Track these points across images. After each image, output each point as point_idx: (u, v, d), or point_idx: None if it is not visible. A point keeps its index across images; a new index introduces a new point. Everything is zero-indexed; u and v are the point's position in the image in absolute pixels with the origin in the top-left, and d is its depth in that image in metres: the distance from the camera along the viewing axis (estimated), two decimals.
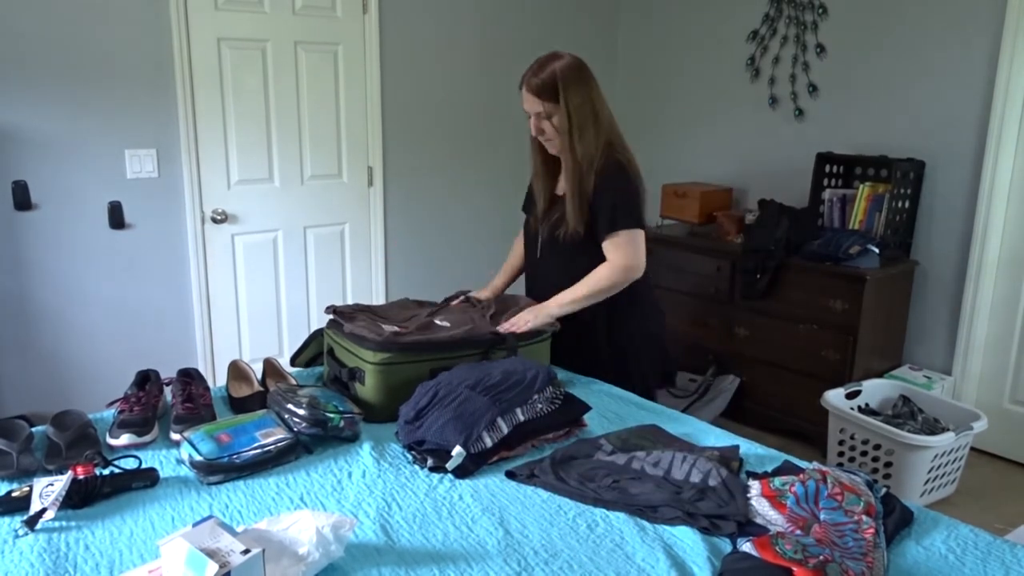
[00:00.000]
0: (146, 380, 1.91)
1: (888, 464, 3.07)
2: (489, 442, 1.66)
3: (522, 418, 1.73)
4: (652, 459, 1.59)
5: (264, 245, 3.76)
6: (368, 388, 1.90)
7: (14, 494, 1.46)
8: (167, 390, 1.93)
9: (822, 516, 1.38)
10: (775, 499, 1.44)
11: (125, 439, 1.70)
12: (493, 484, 1.61)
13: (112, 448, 1.70)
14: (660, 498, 1.48)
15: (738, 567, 1.25)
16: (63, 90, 3.13)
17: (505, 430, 1.69)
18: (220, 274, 3.65)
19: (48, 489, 1.42)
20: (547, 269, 2.35)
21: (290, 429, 1.71)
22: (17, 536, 1.37)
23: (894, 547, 1.39)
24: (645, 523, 1.46)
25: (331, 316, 2.11)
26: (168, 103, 3.37)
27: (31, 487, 1.44)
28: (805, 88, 3.97)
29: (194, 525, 1.19)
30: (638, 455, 1.62)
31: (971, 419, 3.09)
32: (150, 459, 1.66)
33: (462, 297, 2.36)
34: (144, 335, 3.50)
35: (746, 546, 1.29)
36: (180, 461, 1.65)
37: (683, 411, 3.32)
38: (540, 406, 1.77)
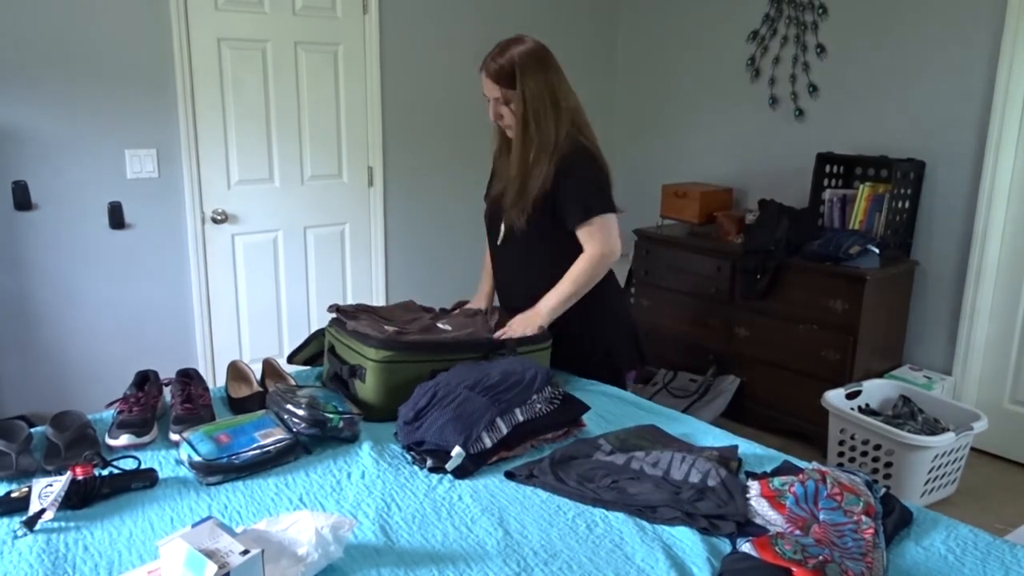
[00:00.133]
0: (145, 381, 1.91)
1: (888, 464, 3.07)
2: (488, 442, 1.66)
3: (521, 418, 1.73)
4: (651, 459, 1.59)
5: (264, 245, 3.76)
6: (368, 386, 1.90)
7: (13, 495, 1.46)
8: (166, 391, 1.93)
9: (821, 516, 1.38)
10: (774, 499, 1.44)
11: (124, 440, 1.70)
12: (492, 484, 1.61)
13: (111, 449, 1.70)
14: (659, 498, 1.48)
15: (738, 567, 1.25)
16: (63, 90, 3.13)
17: (504, 430, 1.69)
18: (220, 274, 3.65)
19: (47, 490, 1.42)
20: (511, 256, 2.31)
21: (289, 429, 1.71)
22: (16, 537, 1.37)
23: (893, 547, 1.39)
24: (644, 523, 1.46)
25: (333, 314, 2.11)
26: (168, 103, 3.37)
27: (30, 488, 1.44)
28: (805, 88, 3.97)
29: (193, 526, 1.19)
30: (637, 455, 1.62)
31: (971, 419, 3.08)
32: (149, 460, 1.66)
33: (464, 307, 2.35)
34: (144, 335, 3.50)
35: (745, 546, 1.29)
36: (179, 462, 1.65)
37: (683, 411, 3.33)
38: (539, 406, 1.77)
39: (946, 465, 3.09)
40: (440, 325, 2.09)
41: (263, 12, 3.53)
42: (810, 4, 3.88)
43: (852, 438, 3.19)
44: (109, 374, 3.39)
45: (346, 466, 1.67)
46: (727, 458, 1.64)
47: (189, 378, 1.93)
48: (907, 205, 3.59)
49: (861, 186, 3.61)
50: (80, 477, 1.46)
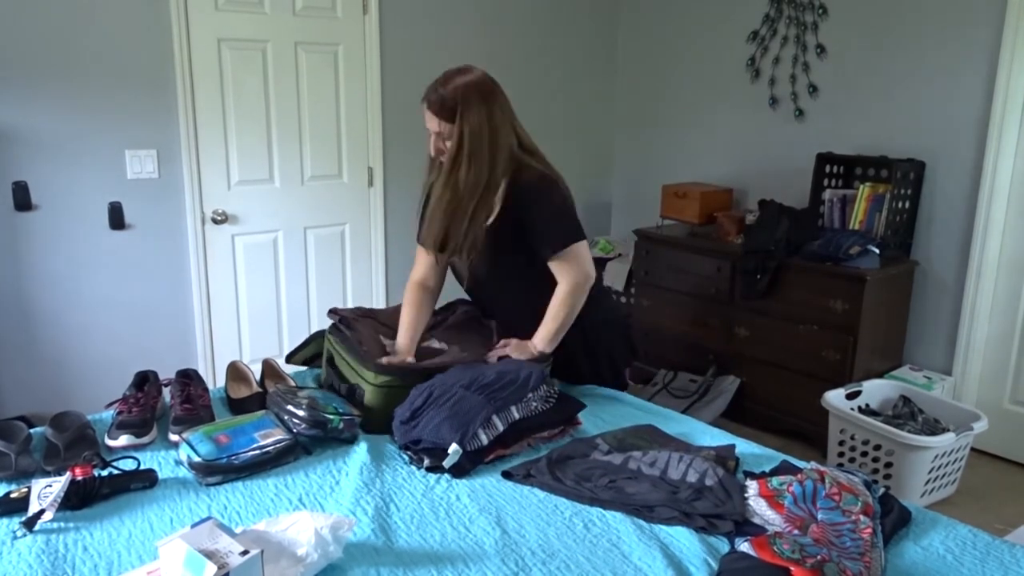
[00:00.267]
0: (145, 381, 1.91)
1: (888, 465, 3.07)
2: (485, 439, 1.66)
3: (517, 416, 1.73)
4: (648, 459, 1.60)
5: (264, 246, 3.76)
6: (366, 406, 1.88)
7: (12, 495, 1.46)
8: (166, 391, 1.93)
9: (820, 516, 1.38)
10: (773, 499, 1.44)
11: (124, 440, 1.70)
12: (490, 484, 1.61)
13: (111, 449, 1.71)
14: (657, 498, 1.48)
15: (736, 567, 1.26)
16: (63, 90, 3.13)
17: (501, 427, 1.69)
18: (220, 275, 3.65)
19: (46, 490, 1.43)
20: (486, 295, 2.26)
21: (289, 430, 1.71)
22: (15, 537, 1.37)
23: (892, 547, 1.39)
24: (642, 523, 1.46)
25: (333, 320, 2.10)
26: (168, 103, 3.37)
27: (29, 488, 1.45)
28: (805, 88, 3.97)
29: (193, 526, 1.20)
30: (634, 455, 1.62)
31: (971, 419, 3.08)
32: (149, 460, 1.66)
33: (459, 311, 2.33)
34: (144, 336, 3.50)
35: (744, 546, 1.29)
36: (179, 462, 1.65)
37: (683, 411, 3.33)
38: (535, 404, 1.77)
39: (946, 465, 3.09)
40: (436, 345, 2.08)
41: (263, 12, 3.53)
42: (810, 4, 3.88)
43: (852, 438, 3.19)
44: (109, 374, 3.39)
45: (345, 466, 1.67)
46: (724, 457, 1.64)
47: (189, 379, 1.94)
48: (907, 205, 3.58)
49: (861, 186, 3.61)
50: (79, 478, 1.47)
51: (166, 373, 2.00)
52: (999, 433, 3.45)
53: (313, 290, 3.95)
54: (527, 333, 2.11)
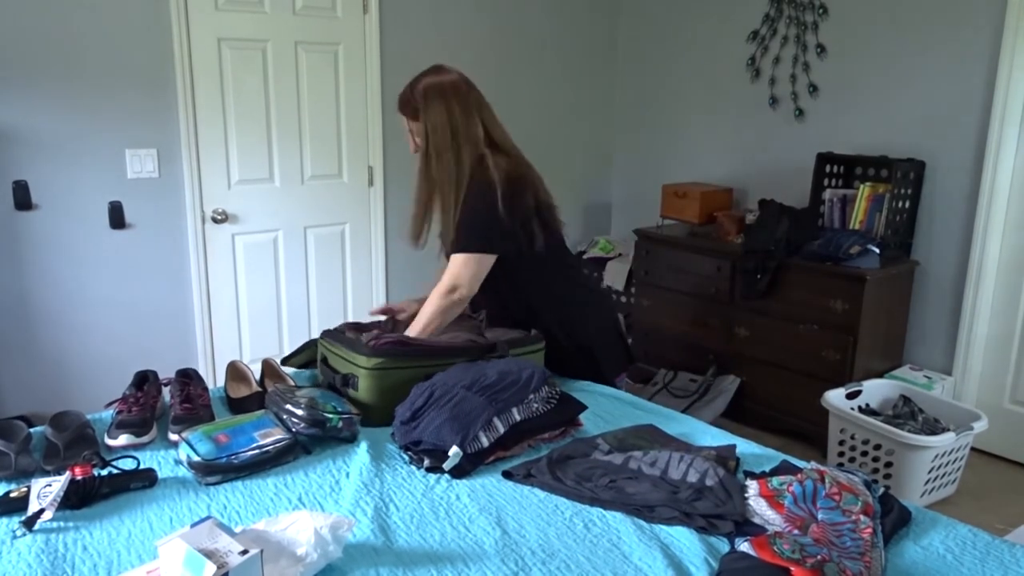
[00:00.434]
0: (144, 381, 1.91)
1: (888, 464, 3.07)
2: (485, 442, 1.66)
3: (518, 418, 1.73)
4: (649, 459, 1.59)
5: (264, 245, 3.76)
6: (361, 393, 1.89)
7: (12, 495, 1.46)
8: (165, 391, 1.93)
9: (820, 516, 1.38)
10: (773, 499, 1.44)
11: (123, 440, 1.70)
12: (490, 484, 1.61)
13: (110, 449, 1.70)
14: (657, 498, 1.48)
15: (736, 567, 1.25)
16: (63, 90, 3.13)
17: (501, 430, 1.69)
18: (220, 274, 3.65)
19: (46, 490, 1.42)
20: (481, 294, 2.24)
21: (288, 430, 1.71)
22: (15, 537, 1.37)
23: (892, 547, 1.39)
24: (642, 523, 1.46)
25: (325, 329, 2.13)
26: (168, 103, 3.37)
27: (29, 488, 1.45)
28: (805, 88, 3.97)
29: (192, 526, 1.19)
30: (635, 455, 1.62)
31: (971, 419, 3.08)
32: (148, 460, 1.66)
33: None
34: (144, 335, 3.50)
35: (744, 546, 1.29)
36: (178, 462, 1.65)
37: (683, 411, 3.33)
38: (536, 406, 1.77)
39: (946, 465, 3.09)
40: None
41: (263, 12, 3.53)
42: (810, 4, 3.88)
43: (852, 438, 3.19)
44: (108, 374, 3.39)
45: (345, 466, 1.67)
46: (725, 457, 1.64)
47: (188, 378, 1.94)
48: (907, 205, 3.58)
49: (861, 186, 3.61)
50: (79, 477, 1.46)
51: (166, 373, 2.00)
52: (999, 433, 3.45)
53: (313, 290, 3.95)
54: (507, 327, 2.17)
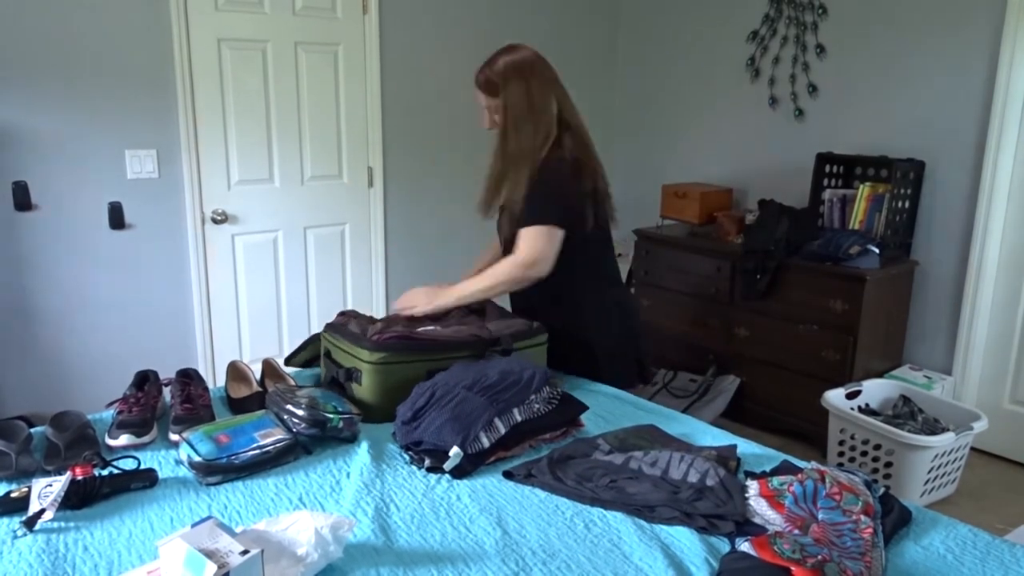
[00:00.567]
0: (145, 381, 1.91)
1: (888, 464, 3.07)
2: (486, 442, 1.66)
3: (519, 418, 1.73)
4: (649, 459, 1.59)
5: (264, 245, 3.76)
6: (365, 388, 1.90)
7: (13, 495, 1.46)
8: (166, 391, 1.93)
9: (820, 516, 1.38)
10: (773, 499, 1.44)
11: (124, 440, 1.70)
12: (491, 484, 1.61)
13: (111, 449, 1.70)
14: (657, 498, 1.48)
15: (737, 567, 1.25)
16: (63, 90, 3.13)
17: (502, 430, 1.69)
18: (220, 275, 3.65)
19: (47, 490, 1.42)
20: None
21: (289, 430, 1.71)
22: (16, 537, 1.37)
23: (892, 547, 1.39)
24: (643, 523, 1.46)
25: (328, 322, 2.12)
26: (168, 103, 3.37)
27: (30, 488, 1.45)
28: (805, 88, 3.97)
29: (193, 526, 1.19)
30: (635, 455, 1.62)
31: (971, 419, 3.08)
32: (149, 460, 1.66)
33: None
34: (144, 335, 3.50)
35: (744, 546, 1.29)
36: (179, 462, 1.65)
37: (683, 411, 3.33)
38: (537, 406, 1.77)
39: (946, 465, 3.09)
40: (433, 327, 2.09)
41: (263, 12, 3.53)
42: (810, 4, 3.88)
43: (852, 438, 3.19)
44: (109, 374, 3.39)
45: (345, 466, 1.67)
46: (726, 457, 1.64)
47: (189, 378, 1.93)
48: (907, 205, 3.59)
49: (861, 186, 3.61)
50: (80, 477, 1.46)
51: (166, 373, 2.00)
52: (999, 433, 3.45)
53: (313, 290, 3.95)
54: (544, 308, 2.20)
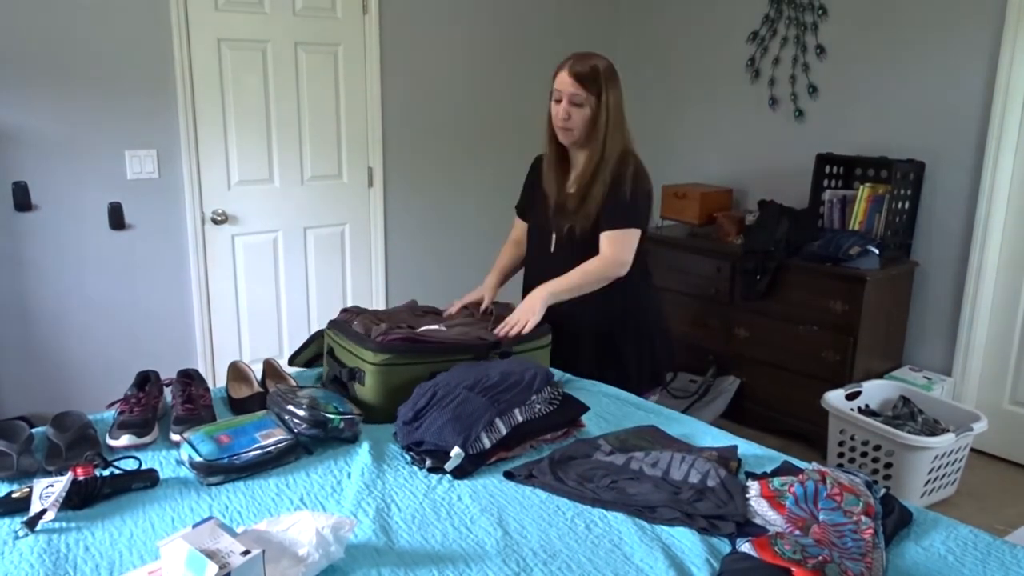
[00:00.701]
0: (146, 381, 1.91)
1: (888, 465, 3.07)
2: (487, 443, 1.66)
3: (520, 419, 1.73)
4: (650, 459, 1.60)
5: (264, 246, 3.76)
6: (368, 389, 1.90)
7: (14, 495, 1.46)
8: (167, 391, 1.93)
9: (821, 516, 1.38)
10: (774, 499, 1.44)
11: (125, 440, 1.70)
12: (492, 484, 1.61)
13: (112, 449, 1.70)
14: (658, 498, 1.48)
15: (737, 567, 1.26)
16: (63, 90, 3.13)
17: (503, 431, 1.69)
18: (220, 275, 3.65)
19: (48, 490, 1.42)
20: (561, 265, 2.33)
21: (290, 430, 1.71)
22: (17, 537, 1.37)
23: (893, 548, 1.39)
24: (643, 523, 1.46)
25: (332, 319, 2.12)
26: (168, 103, 3.37)
27: (31, 488, 1.45)
28: (805, 89, 3.97)
29: (194, 526, 1.19)
30: (636, 455, 1.62)
31: (971, 420, 3.09)
32: (150, 460, 1.66)
33: (461, 306, 2.35)
34: (144, 336, 3.50)
35: (745, 546, 1.29)
36: (180, 462, 1.65)
37: (683, 412, 3.33)
38: (538, 407, 1.77)
39: (946, 466, 3.09)
40: (437, 327, 2.09)
41: (263, 12, 3.53)
42: (810, 5, 3.88)
43: (852, 439, 3.19)
44: (109, 374, 3.39)
45: (346, 466, 1.67)
46: (727, 458, 1.64)
47: (190, 378, 1.93)
48: (907, 206, 3.59)
49: (861, 187, 3.62)
50: (81, 477, 1.46)
51: (166, 373, 2.00)
52: (999, 433, 3.45)
53: (313, 290, 3.95)
54: (576, 313, 2.28)
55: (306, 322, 3.95)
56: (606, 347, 2.38)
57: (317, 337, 2.24)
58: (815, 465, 1.52)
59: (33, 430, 1.71)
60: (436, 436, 1.64)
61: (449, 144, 4.25)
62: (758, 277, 3.62)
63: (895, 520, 1.43)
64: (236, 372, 2.13)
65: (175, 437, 1.73)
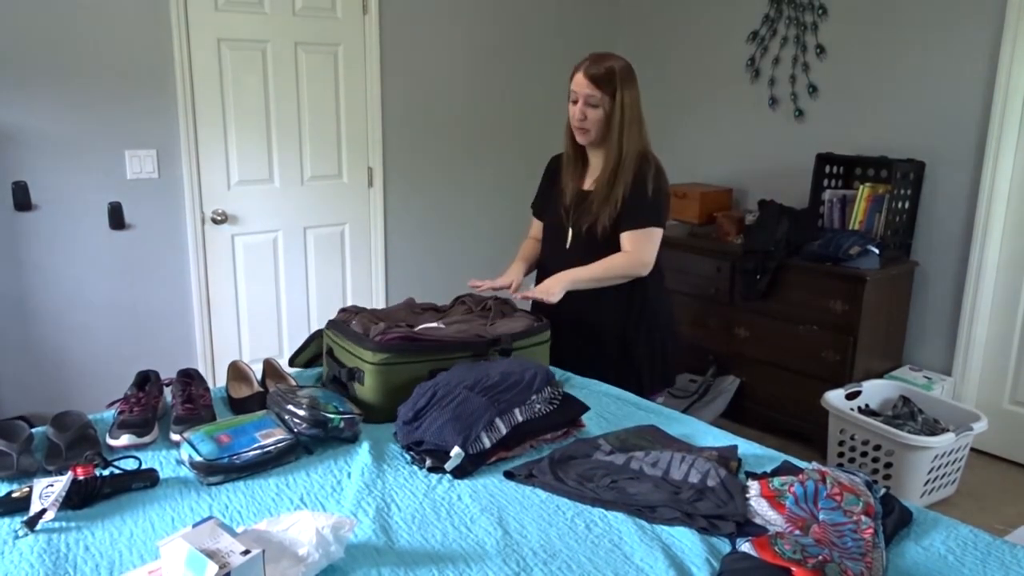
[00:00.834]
0: (146, 381, 1.91)
1: (888, 465, 3.07)
2: (487, 443, 1.66)
3: (520, 418, 1.73)
4: (650, 459, 1.60)
5: (264, 246, 3.76)
6: (367, 388, 1.90)
7: (14, 495, 1.46)
8: (167, 391, 1.93)
9: (821, 516, 1.38)
10: (774, 499, 1.44)
11: (125, 440, 1.70)
12: (492, 484, 1.61)
13: (112, 449, 1.70)
14: (658, 498, 1.48)
15: (737, 567, 1.26)
16: (63, 90, 3.13)
17: (503, 430, 1.69)
18: (220, 275, 3.65)
19: (48, 490, 1.42)
20: (576, 263, 2.34)
21: (290, 430, 1.71)
22: (17, 537, 1.37)
23: (893, 547, 1.39)
24: (643, 523, 1.46)
25: (331, 319, 2.12)
26: (168, 103, 3.37)
27: (31, 488, 1.45)
28: (805, 89, 3.97)
29: (194, 526, 1.19)
30: (636, 455, 1.62)
31: (971, 420, 3.09)
32: (150, 460, 1.66)
33: (463, 299, 2.36)
34: (144, 335, 3.50)
35: (745, 546, 1.29)
36: (180, 462, 1.65)
37: (683, 411, 3.33)
38: (538, 406, 1.77)
39: (946, 465, 3.09)
40: (435, 325, 2.09)
41: (263, 12, 3.53)
42: (810, 5, 3.88)
43: (852, 438, 3.19)
44: (109, 374, 3.39)
45: (346, 466, 1.67)
46: (727, 458, 1.64)
47: (190, 378, 1.93)
48: (907, 205, 3.59)
49: (861, 186, 3.62)
50: (81, 477, 1.46)
51: (166, 373, 2.00)
52: (999, 433, 3.45)
53: (313, 290, 3.95)
54: (593, 313, 2.33)
55: (306, 322, 3.95)
56: (621, 347, 2.39)
57: (316, 337, 2.24)
58: (815, 465, 1.52)
59: (33, 430, 1.71)
60: (436, 436, 1.64)
61: (449, 144, 4.25)
62: (758, 277, 3.62)
63: (895, 520, 1.43)
64: (236, 372, 2.13)
65: (175, 437, 1.73)
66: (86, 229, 3.28)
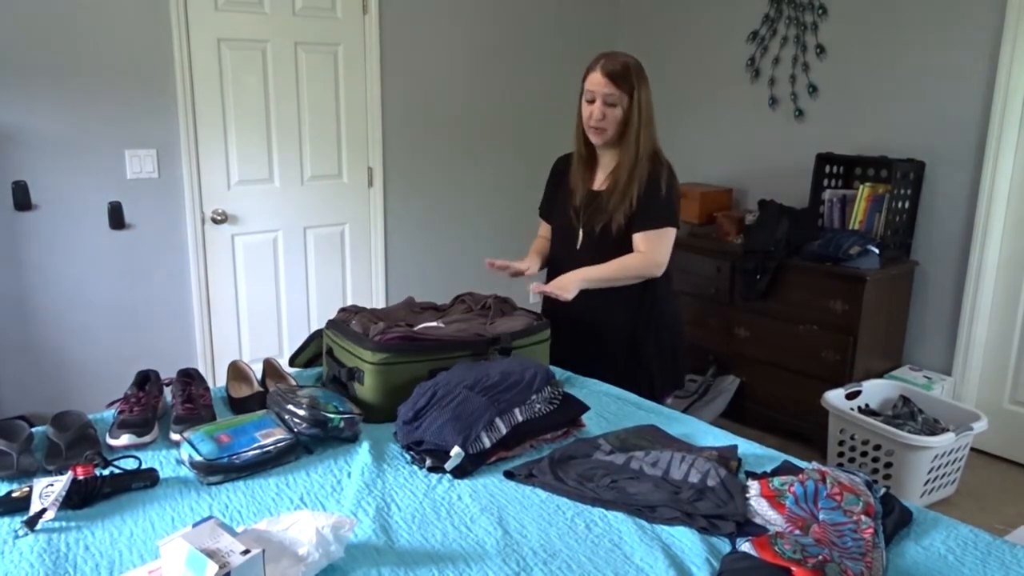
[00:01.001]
0: (146, 380, 1.91)
1: (888, 465, 3.07)
2: (487, 442, 1.66)
3: (520, 418, 1.73)
4: (651, 459, 1.60)
5: (264, 245, 3.76)
6: (367, 388, 1.90)
7: (14, 494, 1.46)
8: (167, 390, 1.93)
9: (821, 516, 1.38)
10: (774, 499, 1.44)
11: (125, 439, 1.70)
12: (492, 484, 1.61)
13: (112, 448, 1.70)
14: (658, 498, 1.48)
15: (737, 567, 1.26)
16: (63, 90, 3.13)
17: (503, 430, 1.69)
18: (220, 274, 3.65)
19: (48, 489, 1.42)
20: (586, 263, 2.34)
21: (290, 430, 1.71)
22: (17, 536, 1.37)
23: (893, 547, 1.39)
24: (643, 523, 1.46)
25: (330, 318, 2.12)
26: (168, 103, 3.37)
27: (31, 487, 1.45)
28: (805, 89, 3.97)
29: (194, 525, 1.19)
30: (636, 455, 1.62)
31: (971, 420, 3.09)
32: (150, 459, 1.66)
33: (463, 298, 2.36)
34: (144, 335, 3.50)
35: (745, 546, 1.29)
36: (180, 461, 1.65)
37: (683, 411, 3.33)
38: (538, 406, 1.77)
39: (946, 465, 3.09)
40: (435, 324, 2.09)
41: (263, 12, 3.53)
42: (810, 4, 3.88)
43: (852, 438, 3.19)
44: (109, 374, 3.39)
45: (346, 466, 1.67)
46: (727, 458, 1.64)
47: (190, 378, 1.93)
48: (907, 205, 3.59)
49: (861, 186, 3.62)
50: (81, 477, 1.46)
51: (166, 372, 2.00)
52: (999, 433, 3.45)
53: (313, 290, 3.95)
54: (605, 314, 2.32)
55: (306, 322, 3.95)
56: (631, 348, 2.39)
57: (316, 337, 2.24)
58: (815, 464, 1.52)
59: (33, 429, 1.71)
60: (436, 435, 1.64)
61: (449, 144, 4.25)
62: (758, 277, 3.62)
63: (895, 519, 1.43)
64: (236, 372, 2.13)
65: (175, 436, 1.73)
66: (86, 229, 3.28)
